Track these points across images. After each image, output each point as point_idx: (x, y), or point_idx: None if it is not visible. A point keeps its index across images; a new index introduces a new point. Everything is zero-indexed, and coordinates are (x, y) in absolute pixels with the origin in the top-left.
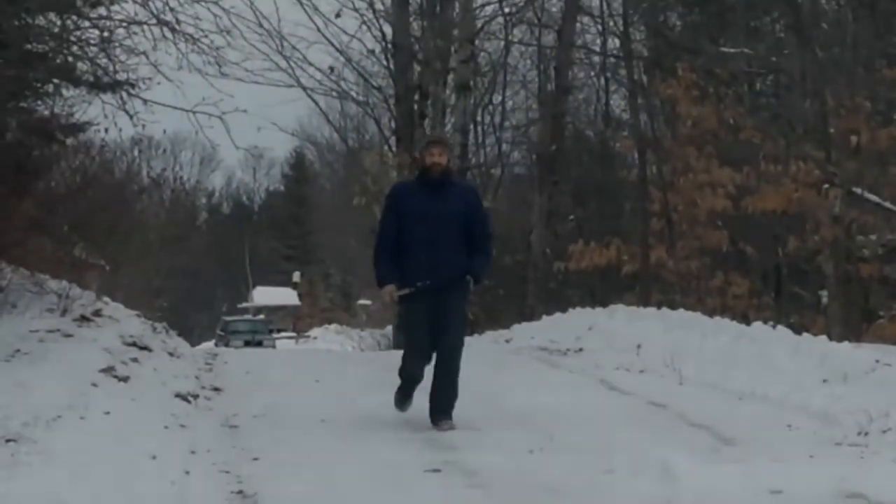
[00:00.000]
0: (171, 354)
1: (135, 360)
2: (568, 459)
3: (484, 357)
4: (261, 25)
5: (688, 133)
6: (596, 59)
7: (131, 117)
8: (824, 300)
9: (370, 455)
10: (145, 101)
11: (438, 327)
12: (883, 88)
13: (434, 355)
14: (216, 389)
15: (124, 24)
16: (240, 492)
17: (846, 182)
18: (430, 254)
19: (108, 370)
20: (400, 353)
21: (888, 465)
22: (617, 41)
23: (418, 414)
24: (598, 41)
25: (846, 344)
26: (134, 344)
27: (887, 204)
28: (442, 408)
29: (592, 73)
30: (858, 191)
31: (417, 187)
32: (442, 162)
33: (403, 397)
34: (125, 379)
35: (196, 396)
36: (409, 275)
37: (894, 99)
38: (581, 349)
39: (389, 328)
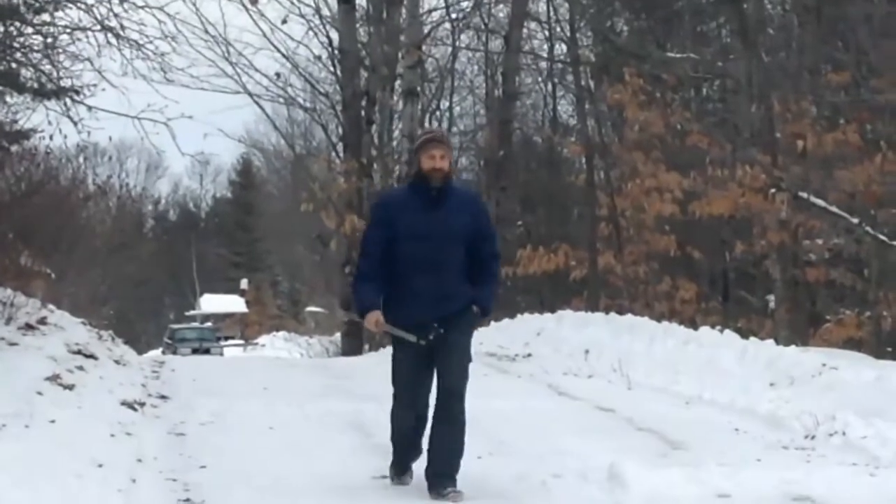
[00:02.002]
0: (117, 362)
1: (80, 368)
2: (516, 464)
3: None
4: (206, 31)
5: (635, 138)
6: (543, 64)
7: (76, 124)
8: (771, 304)
9: (318, 462)
10: (90, 108)
11: (437, 368)
12: (828, 93)
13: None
14: (163, 397)
15: (68, 30)
16: (187, 500)
17: (792, 186)
18: (429, 282)
19: (54, 378)
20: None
21: (834, 468)
22: (564, 47)
23: (366, 419)
24: (546, 47)
25: (793, 348)
26: (80, 352)
27: (833, 208)
28: (443, 469)
29: (540, 79)
30: (805, 195)
31: (412, 198)
32: (444, 167)
33: (401, 469)
34: (71, 387)
35: (143, 404)
36: (403, 308)
37: (840, 103)
38: (529, 354)
39: (338, 335)
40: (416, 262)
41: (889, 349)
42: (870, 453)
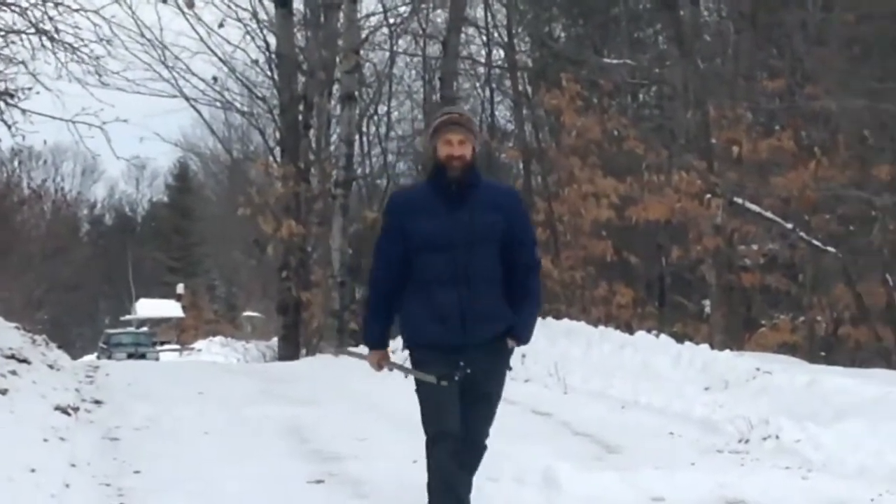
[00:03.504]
0: (51, 367)
1: (13, 372)
2: None
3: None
4: (142, 35)
5: (572, 143)
6: (481, 69)
7: (10, 128)
8: (707, 309)
9: (254, 467)
10: (24, 111)
11: (464, 416)
12: (763, 99)
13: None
14: (97, 402)
15: (2, 33)
16: None
17: (728, 192)
18: (455, 299)
19: None
20: None
21: (768, 471)
22: (502, 52)
23: (302, 423)
24: (483, 52)
25: (727, 352)
26: (13, 356)
27: (768, 214)
28: None
29: (477, 84)
30: (740, 201)
31: (429, 195)
32: (465, 154)
33: None
34: (3, 392)
35: (76, 409)
36: (425, 329)
37: (775, 110)
38: None
39: (275, 340)
40: (437, 275)
41: (822, 353)
42: (803, 457)
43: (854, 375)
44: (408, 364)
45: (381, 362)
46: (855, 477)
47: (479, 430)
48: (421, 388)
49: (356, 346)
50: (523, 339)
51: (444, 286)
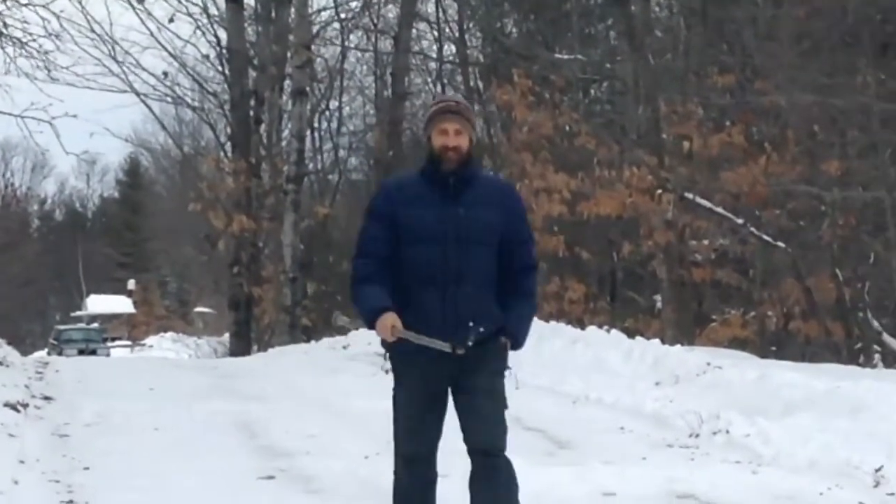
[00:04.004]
0: (0, 363)
1: None
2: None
3: (321, 363)
4: (92, 30)
5: (523, 139)
6: (432, 65)
7: None
8: (658, 304)
9: (204, 463)
10: None
11: (462, 423)
12: (714, 95)
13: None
14: (47, 398)
15: None
16: (70, 502)
17: (678, 187)
18: (442, 300)
19: None
20: None
21: (718, 465)
22: (453, 47)
23: (253, 419)
24: (435, 47)
25: (678, 347)
26: None
27: (719, 209)
28: None
29: (429, 79)
30: (691, 196)
31: (422, 187)
32: (461, 145)
33: None
34: None
35: (26, 405)
36: (413, 329)
37: (725, 105)
38: None
39: (226, 336)
40: (425, 273)
41: (773, 348)
42: (752, 451)
43: (803, 370)
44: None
45: (395, 326)
46: (804, 471)
47: (490, 437)
48: (397, 399)
49: (307, 341)
50: (517, 338)
51: (430, 285)
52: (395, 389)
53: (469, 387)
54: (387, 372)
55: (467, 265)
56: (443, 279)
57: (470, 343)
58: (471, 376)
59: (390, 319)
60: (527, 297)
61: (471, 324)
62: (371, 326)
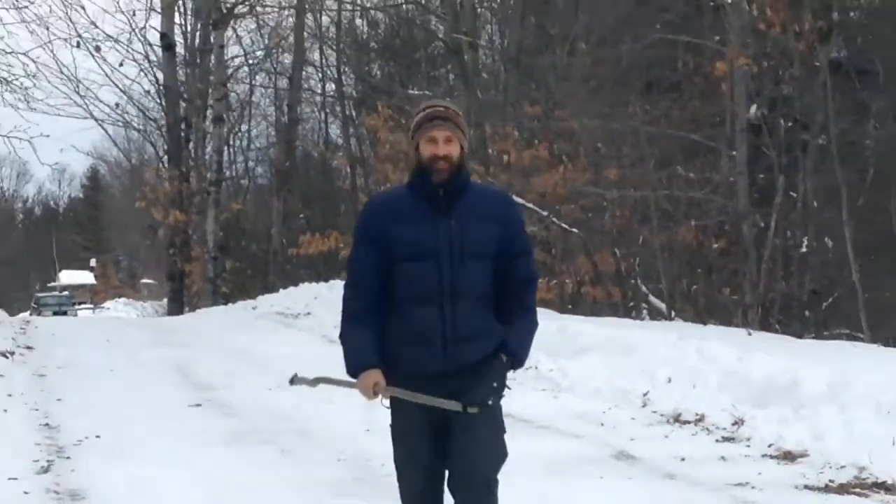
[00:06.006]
0: None
1: None
2: (296, 394)
3: (235, 320)
4: (61, 72)
5: (386, 153)
6: (318, 98)
7: None
8: None
9: (147, 395)
10: None
11: (454, 447)
12: (525, 121)
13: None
14: (29, 348)
15: None
16: (46, 424)
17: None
18: (436, 318)
19: None
20: None
21: (529, 392)
22: (333, 85)
23: (185, 363)
24: (319, 85)
25: None
26: None
27: (530, 205)
28: None
29: (315, 109)
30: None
31: (410, 201)
32: (451, 153)
33: None
34: None
35: (12, 353)
36: (401, 355)
37: (534, 128)
38: (309, 313)
39: (165, 301)
40: (419, 290)
41: (569, 307)
42: (554, 382)
43: (592, 322)
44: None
45: (377, 388)
46: (592, 396)
47: (481, 465)
48: (396, 426)
49: (225, 304)
50: (517, 355)
51: (423, 303)
52: (392, 421)
53: (464, 411)
54: (387, 407)
55: (463, 280)
56: (438, 296)
57: (490, 403)
58: (467, 396)
59: (373, 377)
60: (527, 311)
61: (493, 385)
62: (353, 377)
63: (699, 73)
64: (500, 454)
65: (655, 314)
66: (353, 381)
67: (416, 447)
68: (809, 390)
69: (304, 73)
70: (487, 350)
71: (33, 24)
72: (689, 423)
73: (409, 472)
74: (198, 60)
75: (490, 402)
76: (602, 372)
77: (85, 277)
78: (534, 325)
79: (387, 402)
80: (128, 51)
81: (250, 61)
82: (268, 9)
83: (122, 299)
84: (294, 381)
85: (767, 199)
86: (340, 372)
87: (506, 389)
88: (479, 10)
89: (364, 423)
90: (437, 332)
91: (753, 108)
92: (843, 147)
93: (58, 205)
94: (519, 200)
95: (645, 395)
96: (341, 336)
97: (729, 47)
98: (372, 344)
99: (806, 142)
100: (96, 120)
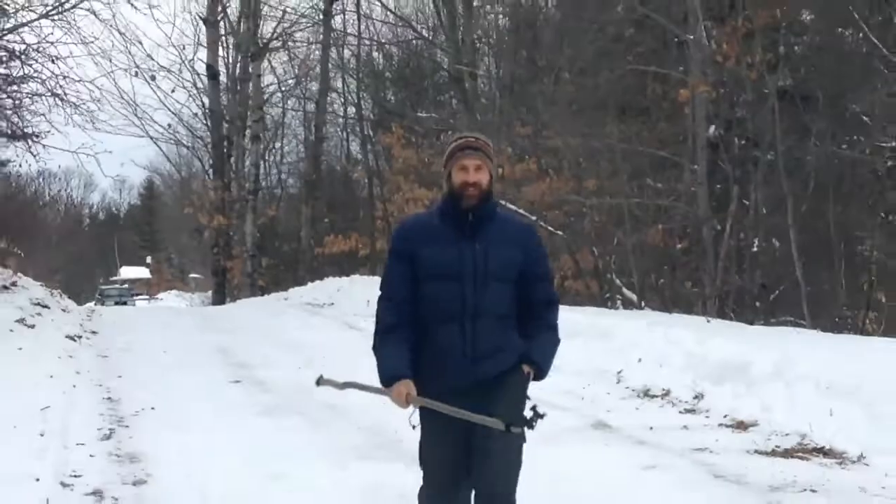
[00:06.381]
0: (63, 310)
1: (39, 314)
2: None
3: (270, 310)
4: (122, 97)
5: (399, 167)
6: (340, 119)
7: (35, 157)
8: None
9: (193, 373)
10: (44, 146)
11: (476, 458)
12: (518, 139)
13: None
14: (94, 332)
15: (29, 95)
16: (109, 398)
17: (497, 198)
18: (459, 336)
19: (21, 321)
20: None
21: None
22: (353, 108)
23: (226, 346)
24: (342, 109)
25: None
26: (39, 303)
27: (521, 211)
28: None
29: (338, 129)
30: (504, 203)
31: (439, 224)
32: (481, 181)
33: None
34: (32, 326)
35: (80, 337)
36: (425, 371)
37: (525, 146)
38: (332, 304)
39: (210, 292)
40: (443, 310)
41: None
42: None
43: (574, 311)
44: None
45: (409, 398)
46: (574, 374)
47: (499, 481)
48: (425, 429)
49: (261, 296)
50: (538, 366)
51: (449, 322)
52: (421, 424)
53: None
54: (413, 427)
55: (485, 301)
56: (461, 315)
57: (534, 425)
58: (488, 407)
59: (404, 388)
60: (549, 328)
61: (534, 409)
62: (385, 385)
63: (666, 98)
64: (515, 471)
65: (628, 304)
66: (381, 387)
67: (441, 452)
68: (759, 369)
69: (328, 98)
70: (508, 363)
71: (98, 56)
72: (656, 397)
73: (434, 476)
74: (238, 87)
75: (534, 425)
76: (583, 354)
77: (142, 272)
78: (556, 340)
79: (416, 421)
80: (178, 79)
81: (283, 88)
82: (298, 43)
83: (174, 291)
84: (320, 382)
85: (724, 206)
86: (357, 353)
87: (540, 410)
88: (478, 45)
89: (379, 398)
90: (458, 348)
91: (712, 129)
92: (788, 162)
93: (119, 211)
94: (513, 208)
95: (619, 373)
96: (374, 347)
97: (691, 77)
98: (405, 356)
99: (757, 157)
100: (151, 138)
